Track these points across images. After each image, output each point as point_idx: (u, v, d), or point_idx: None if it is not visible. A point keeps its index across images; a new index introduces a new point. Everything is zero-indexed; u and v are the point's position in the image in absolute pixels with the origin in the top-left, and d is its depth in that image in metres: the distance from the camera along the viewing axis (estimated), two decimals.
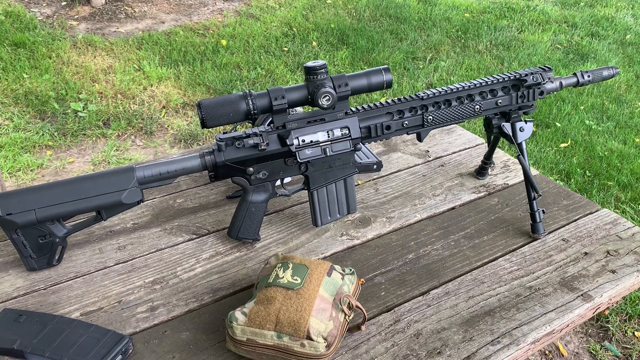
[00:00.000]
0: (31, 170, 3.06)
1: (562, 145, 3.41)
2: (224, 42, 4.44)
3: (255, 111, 1.13)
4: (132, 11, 4.92)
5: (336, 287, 1.01)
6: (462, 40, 4.84)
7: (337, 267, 1.05)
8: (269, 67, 4.14)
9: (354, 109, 1.22)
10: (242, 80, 3.94)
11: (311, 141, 1.19)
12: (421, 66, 4.36)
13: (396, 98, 1.24)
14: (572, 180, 3.10)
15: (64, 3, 4.89)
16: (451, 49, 4.69)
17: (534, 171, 1.57)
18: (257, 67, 4.14)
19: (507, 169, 1.59)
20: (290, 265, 1.02)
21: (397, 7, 5.35)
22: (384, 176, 1.55)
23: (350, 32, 4.74)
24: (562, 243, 1.31)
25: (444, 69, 4.31)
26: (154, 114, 3.55)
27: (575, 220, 1.38)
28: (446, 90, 1.24)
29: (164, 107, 3.65)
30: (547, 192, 1.49)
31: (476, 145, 1.70)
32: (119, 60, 4.10)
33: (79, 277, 1.17)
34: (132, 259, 1.22)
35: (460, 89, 1.25)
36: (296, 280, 0.98)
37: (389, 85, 1.18)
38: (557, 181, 3.10)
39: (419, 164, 1.61)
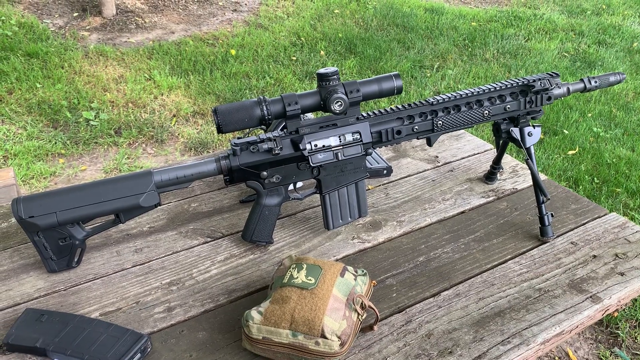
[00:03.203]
0: (44, 178, 3.11)
1: (570, 152, 3.43)
2: (233, 51, 4.49)
3: (270, 117, 1.16)
4: (143, 22, 4.99)
5: (349, 288, 1.03)
6: (469, 49, 4.87)
7: (350, 268, 1.08)
8: (277, 76, 4.19)
9: (365, 114, 1.25)
10: (251, 89, 3.99)
11: (323, 146, 1.22)
12: (429, 74, 4.39)
13: (406, 103, 1.27)
14: (581, 187, 3.11)
15: (75, 14, 4.97)
16: (458, 57, 4.73)
17: (542, 176, 1.59)
18: (266, 76, 4.19)
19: (515, 174, 1.61)
20: (304, 266, 1.04)
21: (404, 16, 5.39)
22: (394, 181, 1.57)
23: (358, 42, 4.79)
24: (571, 246, 1.32)
25: (451, 77, 4.34)
26: (164, 123, 3.60)
27: (584, 224, 1.40)
28: (455, 96, 1.27)
29: (174, 115, 3.70)
30: (556, 197, 1.51)
31: (485, 151, 1.73)
32: (130, 69, 4.16)
33: (98, 278, 1.20)
34: (148, 261, 1.25)
35: (469, 94, 1.28)
36: (310, 280, 1.01)
37: (399, 91, 1.21)
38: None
39: (428, 169, 1.63)
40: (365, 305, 1.02)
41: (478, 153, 1.72)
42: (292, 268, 1.05)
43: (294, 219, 1.41)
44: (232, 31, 4.95)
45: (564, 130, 3.63)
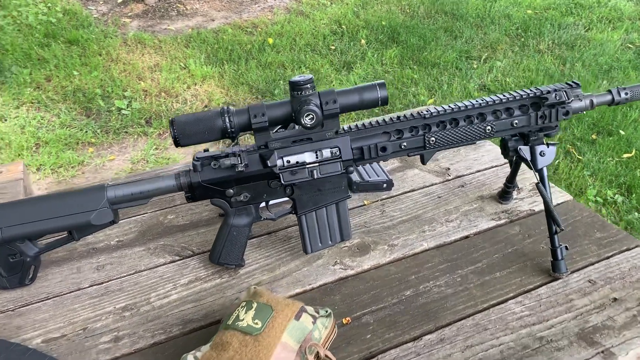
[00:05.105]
0: (72, 167, 3.12)
1: (625, 155, 3.12)
2: (270, 40, 4.38)
3: (233, 129, 1.03)
4: (184, 8, 4.96)
5: (304, 333, 0.90)
6: (522, 39, 4.55)
7: (310, 308, 0.94)
8: (313, 67, 4.05)
9: (346, 128, 1.10)
10: (285, 80, 3.87)
11: (297, 162, 1.08)
12: (475, 66, 4.13)
13: (395, 116, 1.11)
14: (634, 195, 2.82)
15: (119, 0, 4.99)
16: (509, 48, 4.42)
17: (566, 196, 1.39)
18: (301, 66, 4.05)
19: (535, 193, 1.41)
20: (254, 306, 0.91)
21: (454, 3, 5.10)
22: (394, 196, 1.41)
23: (402, 30, 4.56)
24: (588, 285, 1.13)
25: (499, 69, 4.06)
26: None
27: (607, 258, 1.20)
28: (453, 108, 1.10)
29: (206, 106, 3.64)
30: (579, 222, 1.30)
31: (505, 164, 1.53)
32: (166, 58, 4.12)
33: (50, 298, 1.12)
34: (108, 281, 1.16)
35: (470, 106, 1.10)
36: (257, 324, 0.88)
37: (384, 102, 1.05)
38: (616, 195, 2.83)
39: (435, 184, 1.46)
40: (320, 355, 0.89)
41: (496, 166, 1.53)
42: (241, 307, 0.92)
43: (274, 238, 1.28)
44: (273, 19, 4.83)
45: (620, 131, 3.31)
